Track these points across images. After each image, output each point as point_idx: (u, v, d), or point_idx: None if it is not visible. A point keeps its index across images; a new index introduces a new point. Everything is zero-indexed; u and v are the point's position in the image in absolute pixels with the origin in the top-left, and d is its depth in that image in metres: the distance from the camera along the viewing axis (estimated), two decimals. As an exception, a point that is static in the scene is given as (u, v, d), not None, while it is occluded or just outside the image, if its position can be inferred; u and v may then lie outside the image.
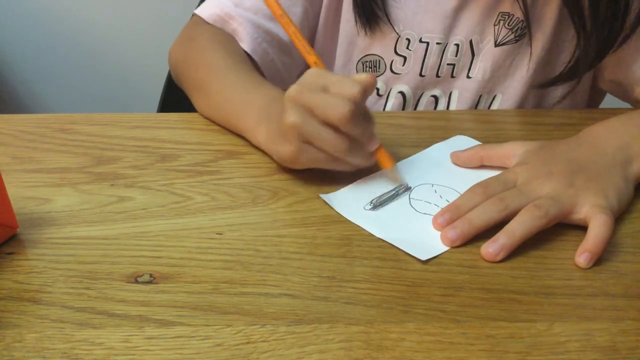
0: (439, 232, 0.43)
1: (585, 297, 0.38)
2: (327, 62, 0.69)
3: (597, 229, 0.42)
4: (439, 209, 0.45)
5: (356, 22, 0.65)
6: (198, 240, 0.43)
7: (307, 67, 0.50)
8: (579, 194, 0.44)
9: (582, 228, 0.43)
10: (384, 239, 0.43)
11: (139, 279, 0.40)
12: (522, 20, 0.62)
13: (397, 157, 0.52)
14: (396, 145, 0.54)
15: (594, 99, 0.71)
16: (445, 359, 0.34)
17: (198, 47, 0.63)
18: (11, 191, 0.43)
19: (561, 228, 0.44)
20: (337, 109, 0.44)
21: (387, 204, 0.47)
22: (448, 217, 0.44)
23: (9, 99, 1.58)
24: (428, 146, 0.54)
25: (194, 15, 0.67)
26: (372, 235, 0.44)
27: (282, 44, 0.66)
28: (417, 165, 0.51)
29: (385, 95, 0.68)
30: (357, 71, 0.68)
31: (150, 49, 1.40)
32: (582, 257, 0.41)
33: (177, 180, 0.50)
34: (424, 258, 0.41)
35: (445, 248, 0.42)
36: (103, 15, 1.43)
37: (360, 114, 0.45)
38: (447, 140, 0.55)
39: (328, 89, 0.45)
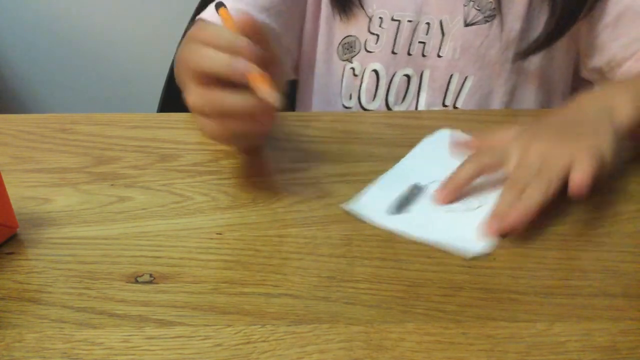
0: (473, 228, 0.43)
1: (585, 297, 0.38)
2: (311, 46, 0.72)
3: (581, 164, 0.43)
4: (461, 203, 0.46)
5: (332, 7, 0.67)
6: (198, 240, 0.43)
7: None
8: (573, 152, 0.45)
9: (582, 229, 0.43)
10: (424, 240, 0.43)
11: (139, 279, 0.40)
12: (491, 2, 0.64)
13: (397, 157, 0.52)
14: (396, 145, 0.54)
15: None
16: (445, 359, 0.34)
17: (188, 43, 0.64)
18: (11, 191, 0.43)
19: (561, 228, 0.44)
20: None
21: (410, 205, 0.46)
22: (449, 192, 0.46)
23: (9, 99, 1.58)
24: (428, 146, 0.54)
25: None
26: (372, 235, 0.44)
27: (275, 34, 0.67)
28: (420, 164, 0.51)
29: (361, 76, 0.70)
30: (337, 55, 0.70)
31: (151, 49, 1.40)
32: (575, 188, 0.42)
33: (177, 180, 0.50)
34: (469, 256, 0.41)
35: (487, 244, 0.42)
36: (103, 16, 1.43)
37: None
38: (433, 135, 0.55)
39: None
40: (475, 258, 0.41)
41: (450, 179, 0.46)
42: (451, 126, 0.58)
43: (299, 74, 0.77)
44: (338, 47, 0.70)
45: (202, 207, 0.47)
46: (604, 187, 0.49)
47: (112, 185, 0.49)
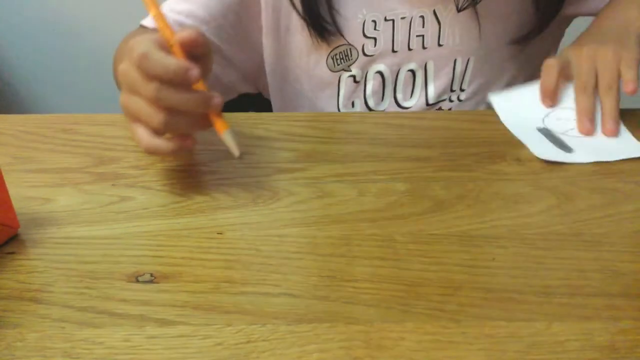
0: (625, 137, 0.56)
1: (584, 297, 0.39)
2: (281, 62, 0.72)
3: (628, 69, 0.57)
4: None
5: (311, 36, 0.67)
6: (199, 239, 0.44)
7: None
8: (616, 59, 0.57)
9: (581, 229, 0.44)
10: (612, 159, 0.52)
11: (140, 279, 0.40)
12: None
13: (397, 157, 0.52)
14: (396, 145, 0.55)
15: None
16: (445, 358, 0.34)
17: (123, 41, 0.68)
18: (12, 191, 0.44)
19: (560, 228, 0.44)
20: (149, 122, 0.45)
21: (562, 141, 0.55)
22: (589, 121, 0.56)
23: (10, 100, 1.58)
24: (428, 146, 0.54)
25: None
26: (372, 235, 0.44)
27: (214, 46, 0.67)
28: (518, 116, 0.59)
29: (363, 80, 0.70)
30: (328, 67, 0.69)
31: (151, 49, 1.40)
32: (630, 89, 0.55)
33: (177, 180, 0.50)
34: None
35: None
36: (104, 16, 1.44)
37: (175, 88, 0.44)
38: (497, 104, 0.62)
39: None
40: (475, 258, 0.42)
41: (542, 84, 0.59)
42: (451, 126, 0.59)
43: (270, 92, 0.76)
44: (327, 59, 0.69)
45: (202, 207, 0.47)
46: (604, 187, 0.49)
47: (113, 185, 0.50)
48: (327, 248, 0.43)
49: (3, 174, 0.42)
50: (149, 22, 0.69)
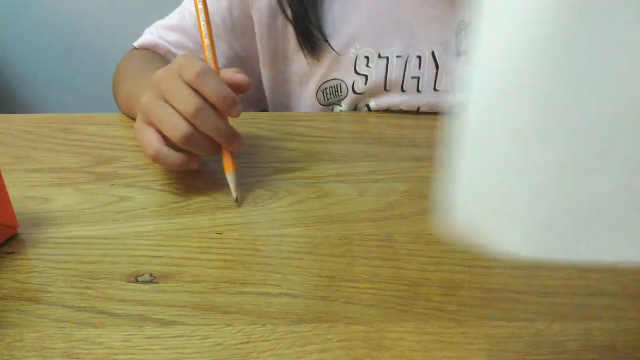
0: None
1: (584, 297, 0.39)
2: (289, 90, 0.70)
3: None
4: None
5: (302, 49, 0.64)
6: (198, 240, 0.43)
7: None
8: None
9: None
10: None
11: (140, 279, 0.40)
12: None
13: (398, 157, 0.52)
14: (396, 145, 0.55)
15: None
16: (445, 359, 0.34)
17: (120, 64, 0.68)
18: (12, 191, 0.44)
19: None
20: (173, 130, 0.45)
21: None
22: None
23: (10, 99, 1.58)
24: (428, 146, 0.54)
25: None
26: (372, 235, 0.44)
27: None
28: None
29: None
30: (318, 100, 0.67)
31: (151, 49, 1.40)
32: None
33: (177, 180, 0.50)
34: None
35: None
36: (104, 15, 1.44)
37: (210, 117, 0.45)
38: None
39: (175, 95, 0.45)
40: (475, 258, 0.41)
41: None
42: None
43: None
44: (317, 93, 0.66)
45: (202, 207, 0.47)
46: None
47: (112, 185, 0.50)
48: (327, 248, 0.43)
49: (2, 173, 0.42)
50: (141, 43, 0.71)
